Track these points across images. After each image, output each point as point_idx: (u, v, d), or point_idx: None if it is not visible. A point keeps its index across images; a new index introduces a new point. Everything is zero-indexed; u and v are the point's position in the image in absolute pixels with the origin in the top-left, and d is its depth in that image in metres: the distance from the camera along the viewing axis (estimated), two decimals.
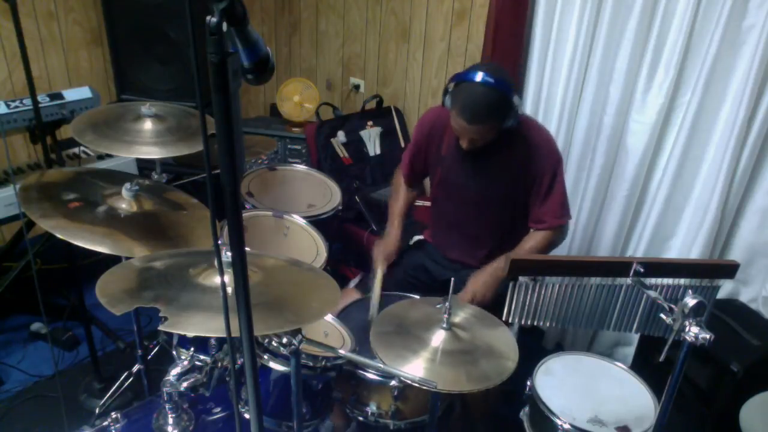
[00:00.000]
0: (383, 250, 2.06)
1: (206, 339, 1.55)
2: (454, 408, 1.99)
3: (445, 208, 2.10)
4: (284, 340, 1.28)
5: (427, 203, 2.33)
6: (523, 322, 1.46)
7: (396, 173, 2.24)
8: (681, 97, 2.19)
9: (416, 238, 2.30)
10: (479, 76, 1.74)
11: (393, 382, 1.57)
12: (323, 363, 1.55)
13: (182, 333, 1.13)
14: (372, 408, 1.65)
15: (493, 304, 1.82)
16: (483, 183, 1.97)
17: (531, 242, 1.98)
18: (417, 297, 1.95)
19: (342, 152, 2.98)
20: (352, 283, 2.16)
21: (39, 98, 1.94)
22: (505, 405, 1.96)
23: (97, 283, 1.23)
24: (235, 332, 0.93)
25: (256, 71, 0.83)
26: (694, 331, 1.20)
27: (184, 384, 1.46)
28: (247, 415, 1.36)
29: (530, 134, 1.93)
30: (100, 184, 1.71)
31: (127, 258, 1.69)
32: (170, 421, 1.50)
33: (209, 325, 1.12)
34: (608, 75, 2.30)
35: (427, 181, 2.20)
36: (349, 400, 1.69)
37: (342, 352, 1.42)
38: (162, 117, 1.90)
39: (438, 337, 1.50)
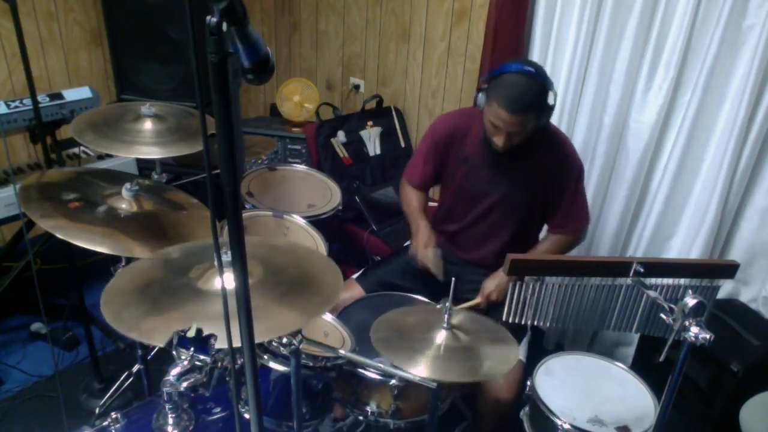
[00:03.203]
0: (421, 241, 2.03)
1: (206, 339, 1.55)
2: (457, 409, 1.99)
3: (463, 207, 2.09)
4: (284, 340, 1.28)
5: (433, 203, 2.33)
6: (523, 322, 1.46)
7: (403, 187, 2.21)
8: (681, 97, 2.19)
9: None
10: (519, 67, 1.74)
11: (393, 381, 1.57)
12: (323, 363, 1.55)
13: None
14: (372, 407, 1.65)
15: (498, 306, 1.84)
16: (505, 186, 1.98)
17: (547, 244, 2.04)
18: (414, 297, 1.97)
19: (342, 152, 2.98)
20: (354, 276, 2.16)
21: (39, 98, 1.94)
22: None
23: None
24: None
25: (256, 71, 0.83)
26: (694, 331, 1.20)
27: (184, 384, 1.45)
28: (247, 415, 1.36)
29: (556, 143, 1.94)
30: (100, 184, 1.71)
31: (128, 258, 1.70)
32: (170, 421, 1.49)
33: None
34: (608, 75, 2.30)
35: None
36: (349, 400, 1.69)
37: (342, 352, 1.42)
38: (162, 117, 1.90)
39: (439, 337, 1.50)
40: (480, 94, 1.82)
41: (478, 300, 1.97)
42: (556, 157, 1.93)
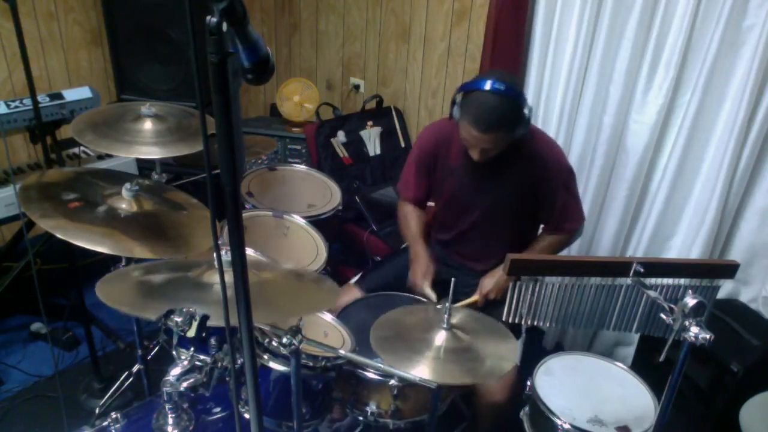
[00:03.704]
0: (420, 271, 1.99)
1: (206, 339, 1.55)
2: (457, 409, 1.99)
3: (454, 216, 2.09)
4: (284, 340, 1.28)
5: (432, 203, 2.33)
6: (523, 322, 1.46)
7: (400, 207, 2.17)
8: (681, 97, 2.19)
9: None
10: (489, 85, 1.71)
11: (392, 382, 1.57)
12: (323, 363, 1.55)
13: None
14: (372, 407, 1.65)
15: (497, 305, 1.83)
16: (493, 195, 1.97)
17: (543, 243, 2.03)
18: (414, 297, 1.97)
19: (342, 152, 2.98)
20: (353, 280, 2.16)
21: (39, 98, 1.94)
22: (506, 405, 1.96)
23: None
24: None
25: (256, 71, 0.83)
26: (694, 331, 1.20)
27: (184, 384, 1.45)
28: (247, 415, 1.36)
29: (540, 148, 1.93)
30: (100, 184, 1.71)
31: (128, 259, 1.70)
32: (170, 421, 1.50)
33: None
34: (608, 75, 2.30)
35: None
36: (349, 400, 1.69)
37: (342, 352, 1.42)
38: (162, 117, 1.90)
39: (439, 338, 1.50)
40: (455, 107, 1.81)
41: (476, 297, 1.97)
42: (541, 162, 1.91)
